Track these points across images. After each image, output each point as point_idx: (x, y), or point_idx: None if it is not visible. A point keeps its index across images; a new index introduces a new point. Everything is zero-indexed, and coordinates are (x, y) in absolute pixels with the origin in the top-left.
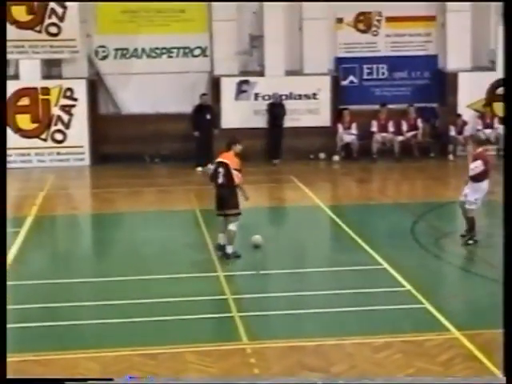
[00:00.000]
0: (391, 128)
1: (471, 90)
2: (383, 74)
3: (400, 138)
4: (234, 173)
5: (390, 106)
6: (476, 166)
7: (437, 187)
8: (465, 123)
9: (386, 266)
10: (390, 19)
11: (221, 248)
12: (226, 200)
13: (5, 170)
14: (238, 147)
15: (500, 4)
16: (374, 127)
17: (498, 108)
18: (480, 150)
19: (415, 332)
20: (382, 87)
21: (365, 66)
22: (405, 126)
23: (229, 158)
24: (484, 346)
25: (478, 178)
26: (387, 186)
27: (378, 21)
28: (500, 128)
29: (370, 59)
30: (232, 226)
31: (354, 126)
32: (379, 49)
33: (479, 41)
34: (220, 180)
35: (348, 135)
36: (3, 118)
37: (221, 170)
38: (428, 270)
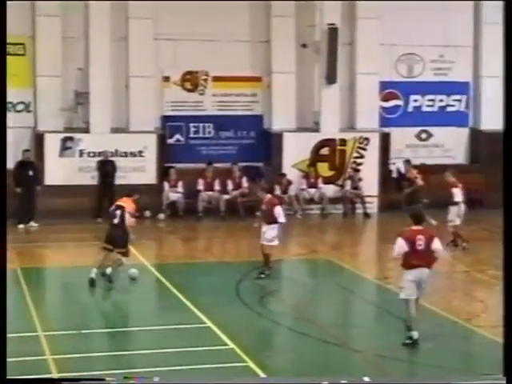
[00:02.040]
0: (217, 186)
1: (296, 150)
2: (209, 132)
3: (226, 196)
4: (127, 216)
5: (217, 165)
6: (279, 212)
7: None
8: (289, 183)
9: (209, 324)
10: (216, 79)
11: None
12: (117, 238)
13: (5, 171)
14: (136, 196)
15: (324, 67)
16: (200, 185)
17: (322, 168)
18: (268, 196)
19: None
20: (208, 146)
21: (191, 125)
22: (230, 185)
23: (127, 202)
24: None
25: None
26: (213, 244)
27: (205, 80)
28: (324, 187)
29: (196, 118)
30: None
31: (180, 184)
32: (206, 108)
33: (304, 102)
34: (116, 220)
35: (174, 193)
36: (3, 118)
37: (118, 212)
38: (252, 329)
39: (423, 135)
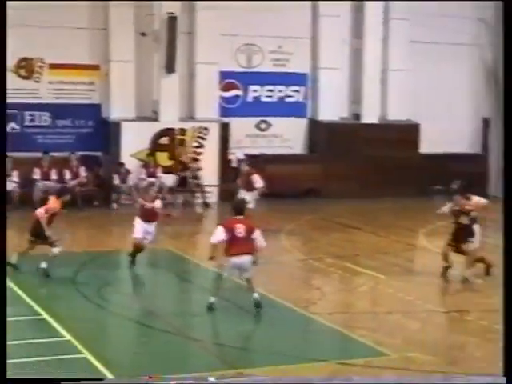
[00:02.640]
0: (54, 176)
1: (135, 140)
2: (46, 121)
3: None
4: (40, 210)
5: (53, 154)
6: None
7: (100, 236)
8: (128, 172)
9: (45, 316)
10: (53, 66)
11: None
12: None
13: (5, 170)
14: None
15: (163, 56)
16: (36, 175)
17: (162, 158)
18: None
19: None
20: (44, 135)
21: (27, 113)
22: (68, 175)
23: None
24: None
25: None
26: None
27: (41, 67)
28: (163, 177)
29: (32, 106)
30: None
31: (15, 173)
32: (42, 96)
33: (143, 91)
34: None
35: (9, 183)
36: (3, 118)
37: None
38: (89, 320)
39: (262, 125)
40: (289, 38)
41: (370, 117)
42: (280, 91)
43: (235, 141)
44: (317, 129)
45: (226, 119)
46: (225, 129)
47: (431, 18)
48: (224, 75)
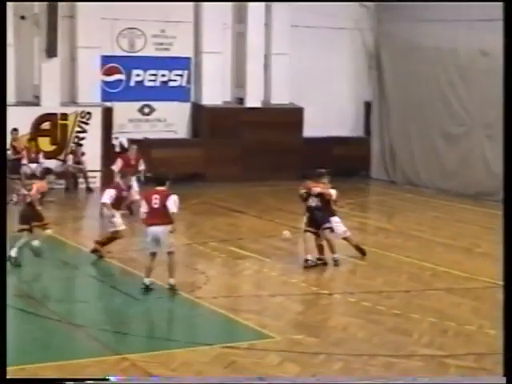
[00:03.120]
0: None
1: (15, 125)
2: None
3: None
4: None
5: None
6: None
7: None
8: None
9: None
10: None
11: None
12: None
13: (5, 171)
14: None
15: (43, 39)
16: None
17: (43, 143)
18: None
19: None
20: None
21: None
22: None
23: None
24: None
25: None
26: None
27: None
28: (45, 162)
29: None
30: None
31: None
32: None
33: (23, 76)
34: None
35: None
36: (3, 118)
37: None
38: None
39: (146, 110)
40: (171, 22)
41: (253, 101)
42: (163, 75)
43: (118, 125)
44: (200, 113)
45: (108, 104)
46: (107, 113)
47: (313, 3)
48: (106, 59)
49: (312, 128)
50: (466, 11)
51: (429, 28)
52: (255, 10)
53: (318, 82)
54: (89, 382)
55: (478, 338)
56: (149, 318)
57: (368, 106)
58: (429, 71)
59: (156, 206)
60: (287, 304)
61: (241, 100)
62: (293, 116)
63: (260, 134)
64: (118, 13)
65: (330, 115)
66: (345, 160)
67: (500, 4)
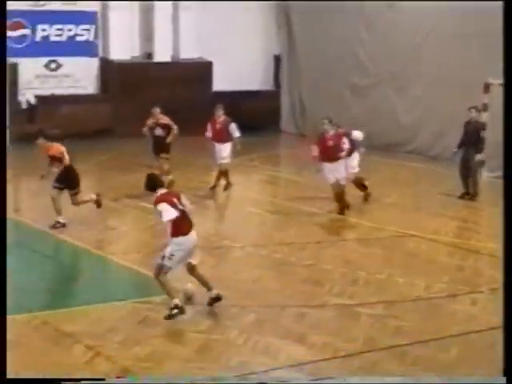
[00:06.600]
0: None
1: None
2: None
3: None
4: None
5: None
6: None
7: None
8: None
9: None
10: None
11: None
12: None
13: (5, 170)
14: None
15: None
16: None
17: None
18: None
19: None
20: None
21: None
22: None
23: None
24: None
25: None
26: None
27: None
28: None
29: None
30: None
31: None
32: None
33: None
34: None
35: None
36: (3, 117)
37: None
38: None
39: (52, 65)
40: None
41: (162, 55)
42: (70, 30)
43: (25, 82)
44: (108, 68)
45: (13, 59)
46: (13, 70)
47: None
48: (10, 14)
49: (222, 82)
50: None
51: None
52: None
53: (228, 36)
54: (85, 381)
55: (387, 287)
56: (60, 275)
57: (277, 59)
58: (337, 25)
59: None
60: (199, 257)
61: (149, 55)
62: (202, 70)
63: (169, 89)
64: None
65: (239, 69)
66: (255, 114)
67: None
